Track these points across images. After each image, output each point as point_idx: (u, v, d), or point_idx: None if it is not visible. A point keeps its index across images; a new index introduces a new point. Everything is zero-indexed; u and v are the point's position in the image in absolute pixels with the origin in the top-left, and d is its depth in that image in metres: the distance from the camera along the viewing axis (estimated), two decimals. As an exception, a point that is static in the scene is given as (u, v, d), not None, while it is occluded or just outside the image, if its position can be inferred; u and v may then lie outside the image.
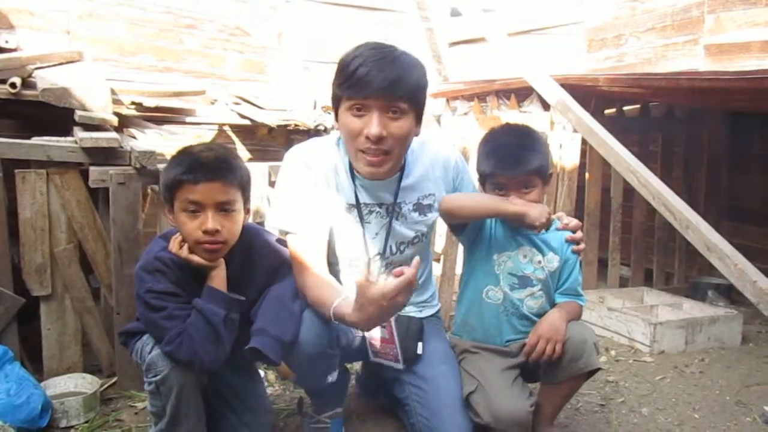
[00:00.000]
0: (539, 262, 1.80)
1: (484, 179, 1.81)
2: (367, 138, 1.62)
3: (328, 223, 1.79)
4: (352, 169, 1.78)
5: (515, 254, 1.80)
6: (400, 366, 1.83)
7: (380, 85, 1.58)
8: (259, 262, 1.74)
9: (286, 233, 1.77)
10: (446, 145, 1.99)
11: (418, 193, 1.85)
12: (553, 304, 1.85)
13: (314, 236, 1.75)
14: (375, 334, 1.83)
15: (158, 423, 1.63)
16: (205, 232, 1.55)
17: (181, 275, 1.61)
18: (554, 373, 1.78)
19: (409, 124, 1.67)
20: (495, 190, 1.77)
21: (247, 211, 1.66)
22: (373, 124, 1.61)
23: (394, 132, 1.64)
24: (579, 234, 1.83)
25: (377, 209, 1.82)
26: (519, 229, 1.79)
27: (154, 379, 1.57)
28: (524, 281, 1.80)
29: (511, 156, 1.73)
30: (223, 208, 1.58)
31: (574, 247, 1.82)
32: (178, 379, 1.56)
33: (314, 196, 1.76)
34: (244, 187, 1.64)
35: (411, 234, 1.87)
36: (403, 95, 1.62)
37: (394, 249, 1.87)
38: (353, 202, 1.80)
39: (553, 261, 1.81)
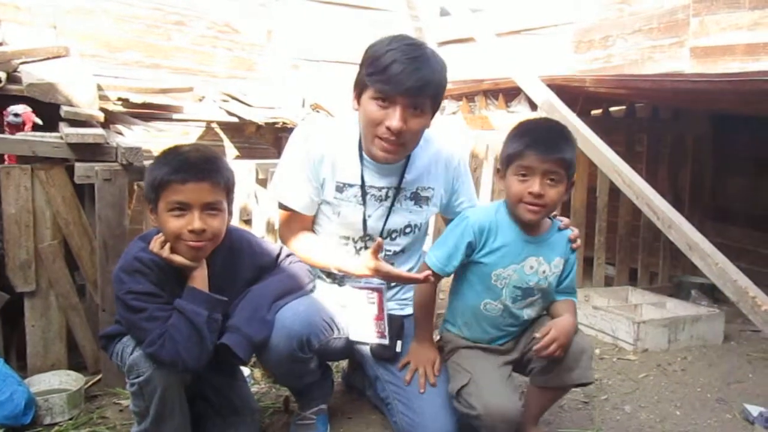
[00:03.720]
0: (544, 271, 1.76)
1: (508, 163, 1.70)
2: (388, 129, 1.70)
3: (317, 198, 1.87)
4: (361, 149, 1.83)
5: (521, 267, 1.75)
6: (386, 341, 1.85)
7: (412, 85, 1.65)
8: (242, 263, 1.74)
9: (279, 204, 1.90)
10: (453, 142, 2.02)
11: (418, 183, 1.90)
12: (549, 305, 1.85)
13: (303, 208, 1.88)
14: (369, 312, 1.86)
15: (141, 422, 1.63)
16: (192, 231, 1.55)
17: (162, 276, 1.60)
18: (546, 376, 1.78)
19: (427, 121, 1.77)
20: (518, 175, 1.67)
21: (229, 213, 1.67)
22: (396, 118, 1.68)
23: (413, 127, 1.72)
24: (576, 231, 1.85)
25: (378, 192, 1.86)
26: (528, 238, 1.75)
27: (136, 380, 1.55)
28: (527, 292, 1.78)
29: (547, 139, 1.66)
30: (210, 209, 1.58)
31: (574, 245, 1.82)
32: (162, 380, 1.55)
33: (306, 172, 1.84)
34: (230, 189, 1.65)
35: (404, 222, 1.91)
36: (429, 96, 1.71)
37: (384, 235, 1.90)
38: (359, 182, 1.84)
39: (559, 266, 1.79)
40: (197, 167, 1.57)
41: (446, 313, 1.94)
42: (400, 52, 1.65)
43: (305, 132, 1.87)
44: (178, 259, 1.59)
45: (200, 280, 1.61)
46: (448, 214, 2.01)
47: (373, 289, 1.87)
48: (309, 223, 1.94)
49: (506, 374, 1.78)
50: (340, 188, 1.85)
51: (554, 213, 1.85)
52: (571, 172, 1.68)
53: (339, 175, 1.84)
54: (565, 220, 1.84)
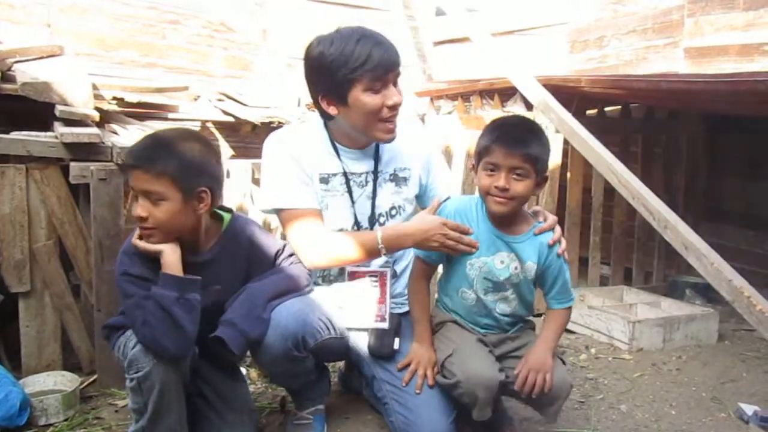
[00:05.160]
0: (516, 268, 1.78)
1: (479, 158, 1.74)
2: (391, 107, 1.77)
3: (317, 193, 1.87)
4: (333, 141, 1.88)
5: (491, 260, 1.78)
6: (385, 326, 1.86)
7: (394, 59, 1.76)
8: (240, 253, 1.75)
9: (282, 210, 1.84)
10: (422, 129, 2.12)
11: (394, 164, 1.95)
12: (527, 308, 1.86)
13: (311, 204, 1.84)
14: (370, 296, 1.87)
15: (139, 420, 1.62)
16: (137, 217, 1.58)
17: (155, 262, 1.61)
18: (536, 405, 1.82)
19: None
20: (487, 170, 1.71)
21: (200, 199, 1.61)
22: (395, 93, 1.78)
23: (402, 98, 1.82)
24: (558, 233, 1.80)
25: (359, 179, 1.90)
26: (500, 234, 1.77)
27: (136, 375, 1.56)
28: (498, 286, 1.80)
29: (514, 134, 1.70)
30: (149, 197, 1.56)
31: (559, 250, 1.78)
32: (161, 376, 1.55)
33: (299, 172, 1.83)
34: (182, 178, 1.56)
35: (389, 205, 1.95)
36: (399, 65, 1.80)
37: (374, 219, 1.93)
38: (341, 170, 1.88)
39: (531, 270, 1.78)
40: (135, 155, 1.58)
41: (438, 295, 1.97)
42: (365, 38, 1.72)
43: (277, 138, 1.88)
44: (140, 244, 1.60)
45: (171, 264, 1.59)
46: (424, 202, 2.03)
47: (376, 272, 1.89)
48: (321, 218, 1.87)
49: (488, 350, 1.80)
50: (326, 179, 1.87)
51: (536, 208, 1.86)
52: (539, 167, 1.71)
53: (320, 168, 1.87)
54: (546, 224, 1.80)
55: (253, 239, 1.78)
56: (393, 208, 1.96)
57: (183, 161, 1.57)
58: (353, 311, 1.89)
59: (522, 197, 1.71)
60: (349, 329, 1.89)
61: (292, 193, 1.83)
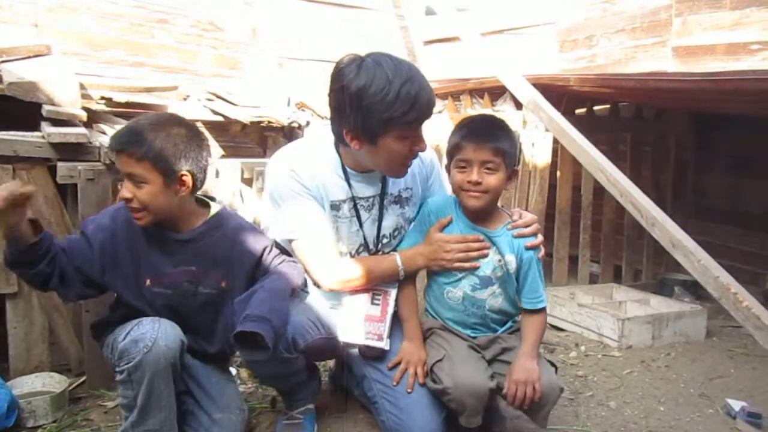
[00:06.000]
0: (499, 260, 1.80)
1: (451, 157, 1.79)
2: (417, 153, 1.77)
3: (328, 219, 1.84)
4: (344, 166, 1.83)
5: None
6: (383, 345, 1.83)
7: (431, 107, 1.71)
8: (225, 240, 1.77)
9: (295, 240, 1.81)
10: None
11: (399, 186, 1.92)
12: (513, 304, 1.87)
13: (325, 231, 1.82)
14: (363, 312, 1.85)
15: (128, 416, 1.62)
16: (121, 198, 1.65)
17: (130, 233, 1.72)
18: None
19: None
20: (459, 168, 1.75)
21: (181, 183, 1.66)
22: (423, 141, 1.76)
23: (426, 145, 1.82)
24: (530, 229, 1.80)
25: (366, 203, 1.88)
26: (478, 228, 1.80)
27: (126, 366, 1.57)
28: (485, 281, 1.81)
29: (482, 129, 1.75)
30: (133, 180, 1.63)
31: (527, 243, 1.78)
32: (150, 365, 1.57)
33: (310, 202, 1.80)
34: (162, 162, 1.62)
35: (393, 226, 1.93)
36: None
37: (378, 241, 1.91)
38: (350, 196, 1.85)
39: (511, 262, 1.80)
40: (120, 138, 1.64)
41: (426, 300, 1.97)
42: (410, 83, 1.62)
43: (287, 164, 1.81)
44: None
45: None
46: None
47: (380, 290, 1.87)
48: (334, 244, 1.85)
49: (479, 356, 1.81)
50: (336, 206, 1.84)
51: (514, 210, 1.87)
52: (508, 160, 1.75)
53: (331, 194, 1.83)
54: (521, 220, 1.81)
55: (239, 230, 1.80)
56: (396, 229, 1.94)
57: (164, 146, 1.62)
58: (347, 325, 1.86)
59: (495, 190, 1.75)
60: (344, 342, 1.87)
61: (304, 223, 1.79)
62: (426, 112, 1.68)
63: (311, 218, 1.80)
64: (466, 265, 1.78)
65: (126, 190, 1.64)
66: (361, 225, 1.88)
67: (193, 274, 1.74)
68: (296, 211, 1.79)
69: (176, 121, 1.73)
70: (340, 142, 1.79)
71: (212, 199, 1.87)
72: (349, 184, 1.84)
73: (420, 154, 1.93)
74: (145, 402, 1.59)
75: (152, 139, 1.61)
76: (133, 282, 1.72)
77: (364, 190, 1.87)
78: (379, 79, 1.61)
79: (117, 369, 1.60)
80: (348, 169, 1.84)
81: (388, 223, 1.92)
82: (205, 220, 1.77)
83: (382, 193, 1.89)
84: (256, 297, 1.65)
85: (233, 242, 1.78)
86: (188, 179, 1.67)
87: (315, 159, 1.83)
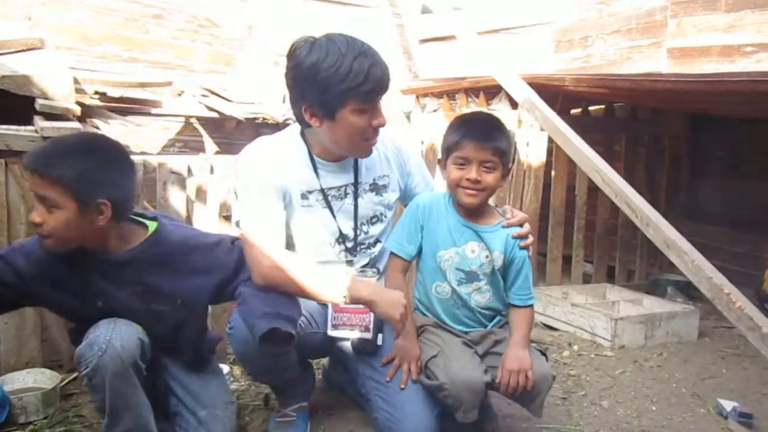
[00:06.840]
0: (487, 257, 1.81)
1: (448, 154, 1.79)
2: (375, 127, 1.75)
3: (285, 217, 1.81)
4: (311, 156, 1.84)
5: (463, 249, 1.81)
6: (369, 336, 1.82)
7: (387, 79, 1.71)
8: (172, 257, 1.67)
9: (246, 228, 1.76)
10: (395, 131, 2.06)
11: (374, 174, 1.92)
12: (501, 301, 1.87)
13: (271, 224, 1.76)
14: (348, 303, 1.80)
15: (103, 419, 1.60)
16: (31, 222, 1.54)
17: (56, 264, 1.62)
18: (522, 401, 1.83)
19: None
20: (457, 164, 1.76)
21: (99, 211, 1.52)
22: (381, 115, 1.75)
23: (386, 120, 1.79)
24: (525, 228, 1.83)
25: (337, 192, 1.87)
26: (469, 224, 1.82)
27: (85, 371, 1.52)
28: (471, 276, 1.82)
29: (482, 129, 1.77)
30: (44, 203, 1.49)
31: (521, 243, 1.81)
32: (107, 368, 1.50)
33: (265, 190, 1.76)
34: (78, 187, 1.48)
35: (370, 214, 1.93)
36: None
37: (357, 229, 1.91)
38: (318, 187, 1.84)
39: (498, 259, 1.81)
40: (34, 157, 1.50)
41: (415, 297, 1.97)
42: (363, 56, 1.64)
43: (255, 156, 1.81)
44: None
45: None
46: (406, 201, 2.02)
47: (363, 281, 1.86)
48: (283, 238, 1.81)
49: (472, 352, 1.81)
50: (305, 196, 1.83)
51: (505, 208, 1.89)
52: (505, 160, 1.78)
53: (299, 184, 1.82)
54: (515, 219, 1.83)
55: (184, 243, 1.70)
56: (374, 216, 1.94)
57: (81, 170, 1.48)
58: (333, 319, 1.83)
59: (491, 188, 1.78)
60: (332, 337, 1.85)
61: (251, 212, 1.75)
62: (381, 85, 1.69)
63: (259, 208, 1.75)
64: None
65: (36, 214, 1.49)
66: (333, 214, 1.87)
67: (141, 294, 1.64)
68: (250, 201, 1.76)
69: (99, 143, 1.61)
70: (301, 123, 1.80)
71: (151, 217, 1.73)
72: (317, 174, 1.84)
73: (396, 143, 1.98)
74: (112, 404, 1.55)
75: (70, 161, 1.47)
76: (89, 299, 1.64)
77: (335, 179, 1.86)
78: (332, 53, 1.64)
79: (80, 375, 1.54)
80: (316, 158, 1.84)
81: (364, 211, 1.92)
82: (145, 239, 1.65)
83: (356, 182, 1.89)
84: (257, 299, 1.63)
85: (180, 256, 1.68)
86: (107, 208, 1.52)
87: (282, 150, 1.84)
